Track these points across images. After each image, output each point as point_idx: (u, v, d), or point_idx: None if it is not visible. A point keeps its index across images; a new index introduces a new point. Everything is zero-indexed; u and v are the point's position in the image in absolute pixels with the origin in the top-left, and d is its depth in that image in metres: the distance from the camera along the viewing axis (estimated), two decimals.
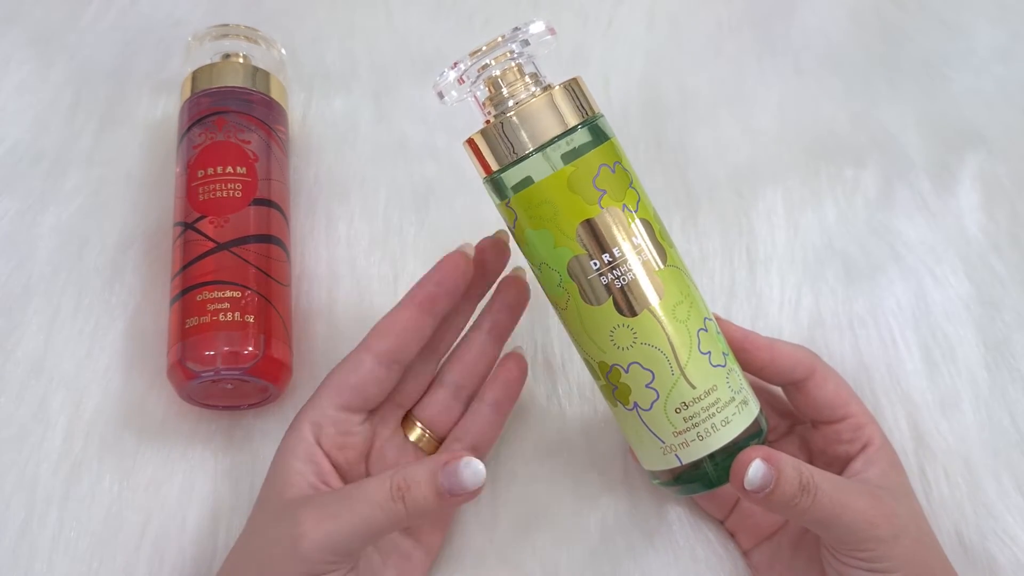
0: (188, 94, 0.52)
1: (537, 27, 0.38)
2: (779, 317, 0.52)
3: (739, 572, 0.45)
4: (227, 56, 0.54)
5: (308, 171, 0.56)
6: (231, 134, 0.50)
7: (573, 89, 0.38)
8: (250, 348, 0.44)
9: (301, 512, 0.36)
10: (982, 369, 0.50)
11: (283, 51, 0.57)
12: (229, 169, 0.48)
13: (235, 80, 0.52)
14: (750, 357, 0.42)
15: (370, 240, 0.54)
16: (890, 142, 0.58)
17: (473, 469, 0.35)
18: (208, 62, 0.53)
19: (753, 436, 0.40)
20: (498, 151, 0.38)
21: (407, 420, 0.45)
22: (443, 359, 0.46)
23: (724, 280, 0.53)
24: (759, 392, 0.46)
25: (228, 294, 0.45)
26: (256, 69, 0.53)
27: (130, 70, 0.59)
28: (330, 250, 0.53)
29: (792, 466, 0.36)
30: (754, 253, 0.54)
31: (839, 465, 0.43)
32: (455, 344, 0.46)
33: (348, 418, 0.42)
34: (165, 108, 0.57)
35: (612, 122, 0.59)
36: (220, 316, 0.44)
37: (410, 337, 0.41)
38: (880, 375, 0.50)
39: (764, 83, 0.61)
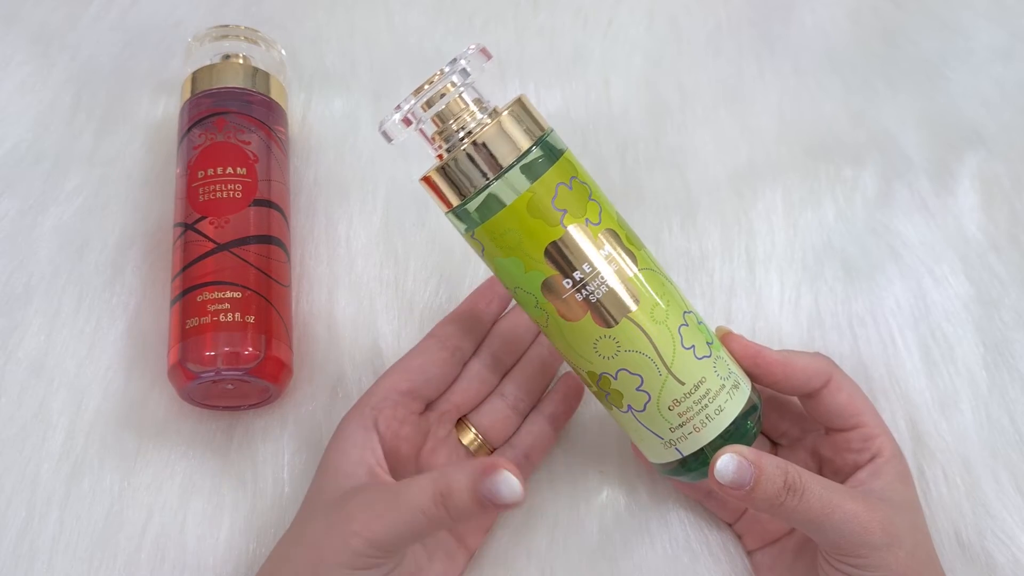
0: (188, 95, 0.52)
1: (474, 54, 0.38)
2: (778, 316, 0.52)
3: (737, 574, 0.45)
4: (227, 57, 0.54)
5: (308, 172, 0.56)
6: (231, 135, 0.50)
7: (519, 111, 0.38)
8: (250, 349, 0.44)
9: (354, 509, 0.37)
10: (981, 369, 0.50)
11: (283, 52, 0.57)
12: (229, 170, 0.49)
13: (235, 81, 0.52)
14: (763, 374, 0.41)
15: (370, 241, 0.54)
16: (889, 142, 0.58)
17: (510, 486, 0.34)
18: (208, 63, 0.53)
19: (748, 414, 0.40)
20: (455, 186, 0.37)
21: (461, 424, 0.46)
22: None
23: (724, 279, 0.53)
24: (772, 399, 0.46)
25: (228, 295, 0.45)
26: (256, 70, 0.53)
27: (131, 70, 0.59)
28: (330, 250, 0.53)
29: (775, 465, 0.36)
30: (753, 252, 0.54)
31: (845, 474, 0.42)
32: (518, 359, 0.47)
33: (408, 403, 0.43)
34: (165, 109, 0.57)
35: (612, 122, 0.60)
36: (220, 317, 0.44)
37: (470, 324, 0.46)
38: (879, 375, 0.50)
39: (763, 83, 0.61)
